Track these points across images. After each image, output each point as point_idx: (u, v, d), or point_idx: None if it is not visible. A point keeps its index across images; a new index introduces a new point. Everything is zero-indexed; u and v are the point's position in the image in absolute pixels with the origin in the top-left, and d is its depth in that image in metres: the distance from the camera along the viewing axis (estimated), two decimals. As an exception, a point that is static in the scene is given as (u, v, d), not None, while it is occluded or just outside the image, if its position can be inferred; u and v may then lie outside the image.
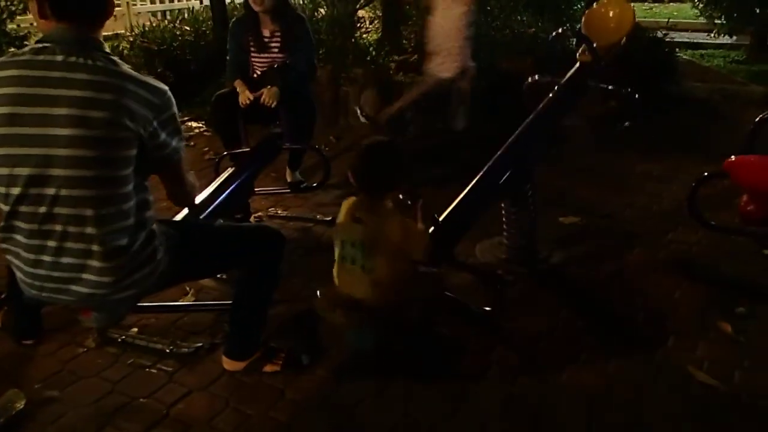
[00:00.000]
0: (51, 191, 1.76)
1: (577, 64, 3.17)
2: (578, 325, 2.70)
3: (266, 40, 3.74)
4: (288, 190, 4.02)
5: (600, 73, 3.12)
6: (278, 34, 3.73)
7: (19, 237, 1.85)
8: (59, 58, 1.74)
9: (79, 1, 1.79)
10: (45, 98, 1.72)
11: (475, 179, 2.94)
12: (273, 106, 3.54)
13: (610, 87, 3.11)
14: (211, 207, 3.08)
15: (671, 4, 12.67)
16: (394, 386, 2.34)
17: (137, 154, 1.81)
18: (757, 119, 3.16)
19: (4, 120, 1.74)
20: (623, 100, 3.19)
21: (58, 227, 1.80)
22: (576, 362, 2.46)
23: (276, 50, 3.74)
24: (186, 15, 7.19)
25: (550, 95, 3.15)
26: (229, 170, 3.40)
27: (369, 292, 2.40)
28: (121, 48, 6.02)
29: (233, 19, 3.99)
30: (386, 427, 2.16)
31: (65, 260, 1.84)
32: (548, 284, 3.05)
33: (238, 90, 3.65)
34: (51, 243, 1.82)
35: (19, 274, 1.94)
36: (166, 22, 7.23)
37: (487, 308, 2.71)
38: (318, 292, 2.58)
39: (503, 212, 3.19)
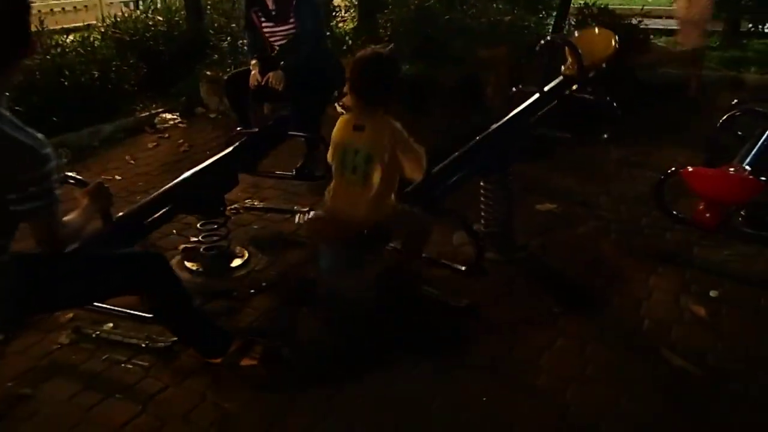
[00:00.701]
0: None
1: (560, 77, 3.36)
2: (555, 311, 2.72)
3: (272, 11, 3.73)
4: (292, 176, 3.93)
5: (582, 86, 3.30)
6: (280, 4, 3.72)
7: None
8: None
9: None
10: None
11: (462, 149, 3.01)
12: (280, 89, 3.53)
13: (590, 97, 3.26)
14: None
15: (646, -9, 12.73)
16: (373, 376, 2.34)
17: None
18: (724, 118, 3.26)
19: None
20: (603, 109, 3.33)
21: None
22: (552, 348, 2.48)
23: (283, 20, 3.72)
24: (158, 5, 7.08)
25: (533, 99, 3.30)
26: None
27: (362, 206, 2.43)
28: (92, 39, 5.90)
29: None
30: (367, 417, 2.16)
31: None
32: (525, 271, 3.07)
33: (252, 68, 3.65)
34: None
35: None
36: (138, 12, 7.13)
37: (463, 267, 2.78)
38: (307, 213, 2.58)
39: (481, 200, 3.20)
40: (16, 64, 1.81)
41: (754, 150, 3.14)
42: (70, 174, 2.52)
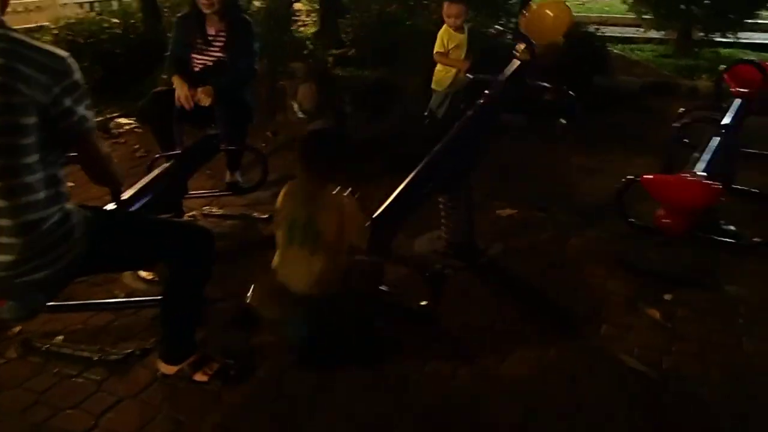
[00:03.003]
0: None
1: (515, 62, 3.25)
2: (516, 317, 2.74)
3: (210, 38, 3.65)
4: (226, 192, 3.89)
5: (537, 71, 3.20)
6: (222, 33, 3.64)
7: None
8: None
9: None
10: None
11: (412, 174, 2.93)
12: (207, 105, 3.44)
13: (546, 84, 3.21)
14: (138, 204, 2.96)
15: (602, -1, 13.00)
16: (334, 387, 2.31)
17: (39, 123, 1.76)
18: (678, 125, 3.32)
19: None
20: (559, 96, 3.29)
21: None
22: (513, 354, 2.49)
23: (218, 49, 3.65)
24: (114, 7, 6.94)
25: (488, 92, 3.20)
26: (162, 167, 3.28)
27: (310, 279, 2.40)
28: (44, 41, 5.75)
29: (179, 15, 3.87)
30: (325, 429, 2.13)
31: None
32: (486, 277, 3.08)
33: (175, 85, 3.53)
34: None
35: None
36: (93, 14, 6.98)
37: (424, 303, 2.71)
38: (253, 285, 2.52)
39: (441, 206, 3.20)
40: None
41: (708, 157, 3.22)
42: None
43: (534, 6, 3.45)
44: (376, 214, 2.72)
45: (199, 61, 3.68)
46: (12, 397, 2.25)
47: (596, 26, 6.56)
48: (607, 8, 11.46)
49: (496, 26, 4.07)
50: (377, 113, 4.96)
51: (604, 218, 3.61)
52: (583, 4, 12.37)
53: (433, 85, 4.59)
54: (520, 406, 2.23)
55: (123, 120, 5.36)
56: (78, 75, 1.83)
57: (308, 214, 2.40)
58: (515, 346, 2.54)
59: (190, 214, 3.62)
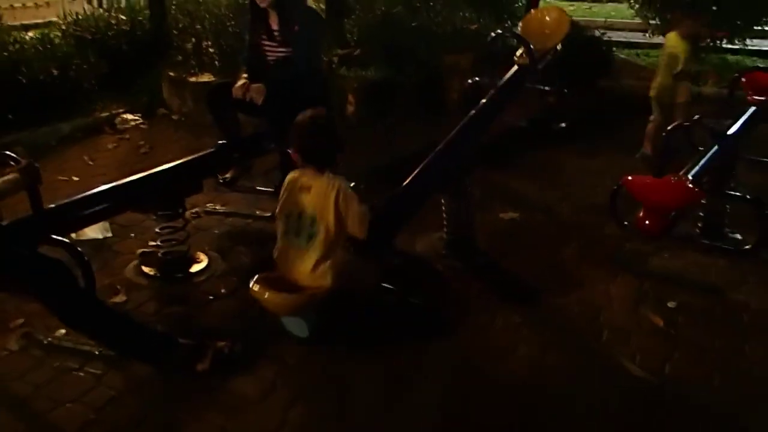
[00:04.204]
0: None
1: (515, 67, 3.28)
2: (515, 320, 2.73)
3: (275, 33, 3.67)
4: (272, 190, 3.84)
5: (536, 75, 3.22)
6: (282, 28, 3.66)
7: None
8: None
9: None
10: None
11: (415, 172, 2.95)
12: (259, 103, 3.46)
13: (546, 87, 3.23)
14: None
15: (609, 3, 12.97)
16: (333, 381, 2.32)
17: None
18: (669, 128, 3.32)
19: None
20: (559, 99, 3.31)
21: None
22: (512, 355, 2.49)
23: (280, 41, 3.66)
24: (122, 3, 6.94)
25: (489, 96, 3.22)
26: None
27: (309, 270, 2.41)
28: (52, 36, 5.76)
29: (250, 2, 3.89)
30: (324, 422, 2.15)
31: None
32: (487, 279, 3.07)
33: (239, 79, 3.58)
34: None
35: None
36: (101, 10, 6.98)
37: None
38: (254, 278, 2.51)
39: (443, 207, 3.20)
40: None
41: (703, 162, 3.22)
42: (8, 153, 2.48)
43: (533, 12, 3.47)
44: (378, 210, 2.73)
45: (270, 55, 3.71)
46: (12, 389, 2.26)
47: (602, 30, 6.54)
48: (613, 13, 11.44)
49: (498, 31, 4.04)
50: (382, 112, 4.94)
51: (607, 220, 3.59)
52: (589, 8, 12.37)
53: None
54: (517, 409, 2.22)
55: (128, 116, 5.36)
56: None
57: (303, 203, 2.42)
58: (514, 347, 2.53)
59: (194, 210, 3.62)
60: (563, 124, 3.31)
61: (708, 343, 2.60)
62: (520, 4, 7.63)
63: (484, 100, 3.20)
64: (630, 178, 3.04)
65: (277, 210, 2.58)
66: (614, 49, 6.72)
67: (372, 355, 2.47)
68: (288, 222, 2.48)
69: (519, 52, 3.28)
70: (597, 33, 6.35)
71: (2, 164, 2.46)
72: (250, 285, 2.48)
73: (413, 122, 4.75)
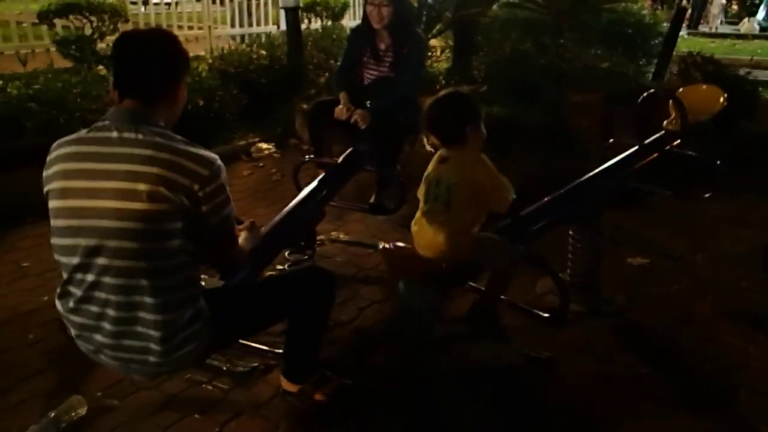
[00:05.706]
0: (103, 261, 1.79)
1: (662, 132, 3.28)
2: (639, 372, 2.59)
3: (381, 53, 3.83)
4: (365, 207, 3.93)
5: (686, 142, 3.21)
6: (392, 49, 3.81)
7: (70, 302, 1.89)
8: (114, 134, 1.81)
9: (137, 83, 1.85)
10: (93, 172, 1.78)
11: (548, 198, 3.00)
12: (362, 127, 3.62)
13: (693, 154, 3.19)
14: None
15: (755, 41, 12.21)
16: (439, 415, 2.30)
17: (184, 227, 1.81)
18: None
19: (57, 194, 1.83)
20: (707, 168, 3.23)
21: (103, 295, 1.83)
22: (634, 411, 2.36)
23: (387, 65, 3.82)
24: (263, 39, 7.40)
25: (630, 151, 3.25)
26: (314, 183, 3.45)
27: (442, 236, 2.43)
28: (200, 69, 6.25)
29: (353, 28, 4.10)
30: None
31: (125, 340, 1.87)
32: (609, 326, 2.94)
33: (341, 101, 3.75)
34: (94, 309, 1.85)
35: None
36: (243, 45, 7.48)
37: (546, 314, 2.75)
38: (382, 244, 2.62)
39: (569, 248, 3.12)
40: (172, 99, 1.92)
41: None
42: None
43: (692, 86, 3.58)
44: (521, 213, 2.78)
45: (369, 75, 3.86)
46: (147, 397, 2.42)
47: (747, 69, 6.16)
48: (759, 51, 10.75)
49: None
50: (506, 151, 4.92)
51: (748, 274, 3.35)
52: (732, 45, 11.71)
53: None
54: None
55: (263, 145, 5.69)
56: (223, 177, 1.89)
57: (440, 171, 2.48)
58: (636, 403, 2.40)
59: (318, 237, 3.77)
60: (707, 195, 3.24)
61: None
62: (656, 41, 7.38)
63: (624, 154, 3.24)
64: None
65: (422, 183, 2.62)
66: (760, 88, 6.30)
67: (490, 404, 2.43)
68: (427, 190, 2.53)
69: (670, 119, 3.27)
70: (741, 72, 5.99)
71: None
72: (380, 246, 2.57)
73: (534, 160, 4.68)
